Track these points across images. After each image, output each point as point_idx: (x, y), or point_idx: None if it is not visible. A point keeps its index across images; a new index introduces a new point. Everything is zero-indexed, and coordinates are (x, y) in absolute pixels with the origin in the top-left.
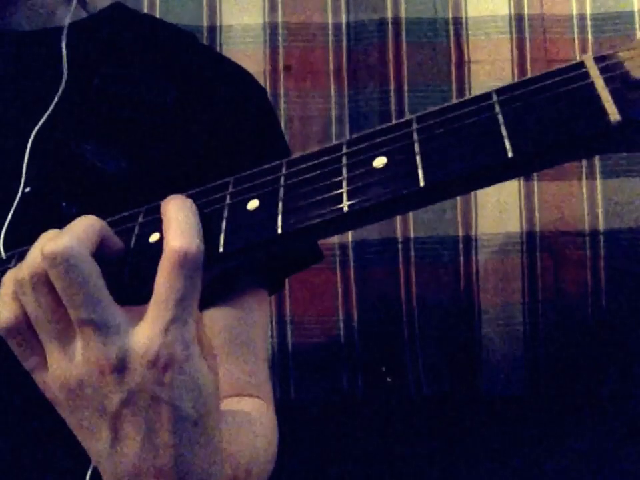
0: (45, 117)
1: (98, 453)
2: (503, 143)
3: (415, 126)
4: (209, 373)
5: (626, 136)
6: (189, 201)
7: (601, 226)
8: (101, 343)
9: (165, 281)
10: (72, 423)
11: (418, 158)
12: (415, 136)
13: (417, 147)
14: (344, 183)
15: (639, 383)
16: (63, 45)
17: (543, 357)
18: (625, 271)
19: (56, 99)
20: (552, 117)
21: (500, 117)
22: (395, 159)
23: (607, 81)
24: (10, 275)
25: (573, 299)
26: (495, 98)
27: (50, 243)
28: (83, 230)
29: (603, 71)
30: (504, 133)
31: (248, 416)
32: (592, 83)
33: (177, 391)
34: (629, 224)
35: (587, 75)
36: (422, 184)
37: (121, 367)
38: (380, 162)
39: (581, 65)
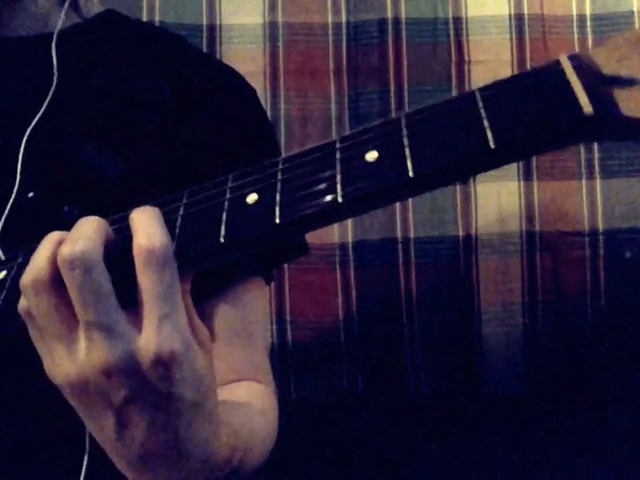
0: (35, 119)
1: (103, 438)
2: (485, 135)
3: (403, 122)
4: (205, 359)
5: (598, 126)
6: (150, 207)
7: (601, 226)
8: (106, 346)
9: (142, 281)
10: (78, 410)
11: (407, 151)
12: (404, 131)
13: (405, 141)
14: (338, 176)
15: (639, 383)
16: (53, 48)
17: (542, 356)
18: (624, 271)
19: (46, 102)
20: (531, 111)
21: (483, 111)
22: (386, 152)
23: (581, 77)
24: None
25: (572, 298)
26: (478, 95)
27: (66, 247)
28: (94, 232)
29: (576, 68)
30: (486, 125)
31: (245, 397)
32: (567, 80)
33: (178, 382)
34: (629, 224)
35: (562, 72)
36: (411, 174)
37: (125, 368)
38: (372, 155)
39: (557, 63)
